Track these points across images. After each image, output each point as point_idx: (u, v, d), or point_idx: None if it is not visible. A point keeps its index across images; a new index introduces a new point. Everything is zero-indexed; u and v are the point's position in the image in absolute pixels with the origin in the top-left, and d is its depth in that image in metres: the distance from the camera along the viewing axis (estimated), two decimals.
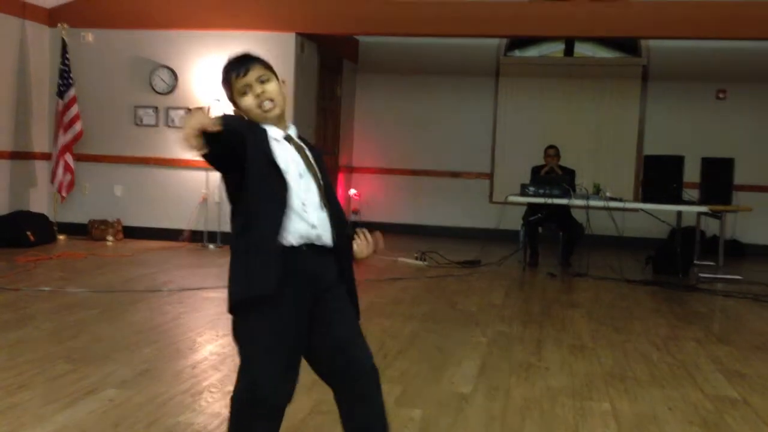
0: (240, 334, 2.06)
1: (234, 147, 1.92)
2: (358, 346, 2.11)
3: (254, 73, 2.06)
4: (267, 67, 2.10)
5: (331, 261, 2.10)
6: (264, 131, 2.07)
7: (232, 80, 2.07)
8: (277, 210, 1.99)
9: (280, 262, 1.97)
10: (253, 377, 2.00)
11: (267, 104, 2.07)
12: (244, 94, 2.07)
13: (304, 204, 2.03)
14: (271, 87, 2.08)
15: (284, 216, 1.99)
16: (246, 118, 2.09)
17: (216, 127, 1.78)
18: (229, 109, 2.16)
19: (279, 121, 2.10)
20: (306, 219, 2.03)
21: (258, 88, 2.06)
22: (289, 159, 2.05)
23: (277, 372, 2.00)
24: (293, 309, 2.02)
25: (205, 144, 1.78)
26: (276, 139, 2.07)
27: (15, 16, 7.87)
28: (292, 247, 2.01)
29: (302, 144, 2.13)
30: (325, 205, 2.08)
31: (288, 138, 2.10)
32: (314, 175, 2.09)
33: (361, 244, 2.16)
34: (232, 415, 2.06)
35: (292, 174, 2.04)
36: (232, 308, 2.06)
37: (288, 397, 2.05)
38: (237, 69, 2.07)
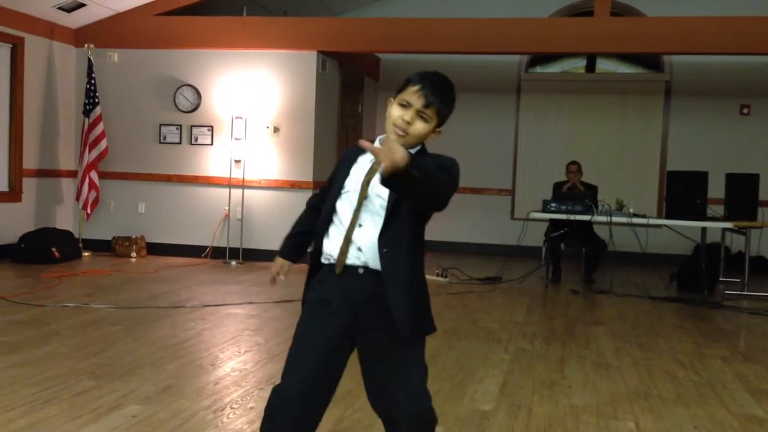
0: None
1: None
2: (397, 390, 2.03)
3: (423, 103, 1.99)
4: (439, 111, 2.01)
5: (383, 288, 2.00)
6: (360, 153, 2.08)
7: (408, 87, 2.01)
8: (324, 225, 2.09)
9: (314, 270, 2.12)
10: (283, 376, 2.07)
11: (399, 131, 2.01)
12: (400, 105, 2.02)
13: (361, 225, 2.02)
14: (420, 126, 2.00)
15: (326, 231, 2.08)
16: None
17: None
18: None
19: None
20: (354, 240, 2.02)
21: (410, 116, 1.99)
22: (360, 177, 2.05)
23: (296, 371, 2.03)
24: (326, 321, 2.04)
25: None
26: (363, 157, 2.07)
27: (43, 37, 8.02)
28: (343, 264, 2.03)
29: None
30: (391, 226, 1.99)
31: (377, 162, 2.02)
32: (387, 202, 1.99)
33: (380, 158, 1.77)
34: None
35: (353, 193, 2.04)
36: None
37: (307, 407, 2.03)
38: (421, 86, 1.99)
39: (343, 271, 2.02)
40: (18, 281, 6.38)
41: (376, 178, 1.96)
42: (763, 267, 8.68)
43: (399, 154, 1.70)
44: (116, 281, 6.58)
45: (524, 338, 4.88)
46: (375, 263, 2.01)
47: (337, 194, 2.07)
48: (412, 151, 2.03)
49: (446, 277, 7.35)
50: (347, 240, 2.02)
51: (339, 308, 2.03)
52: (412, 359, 2.07)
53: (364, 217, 2.02)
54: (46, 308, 5.23)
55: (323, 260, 2.09)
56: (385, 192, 1.99)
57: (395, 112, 2.02)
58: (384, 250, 1.99)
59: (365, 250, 2.01)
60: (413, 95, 2.00)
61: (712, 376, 4.08)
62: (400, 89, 2.04)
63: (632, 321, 5.64)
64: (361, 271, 2.02)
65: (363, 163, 2.08)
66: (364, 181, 2.03)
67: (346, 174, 2.08)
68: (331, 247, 2.06)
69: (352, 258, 2.02)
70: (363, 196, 2.02)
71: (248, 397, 3.38)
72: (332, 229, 2.07)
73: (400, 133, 2.01)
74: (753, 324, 5.74)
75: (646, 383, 3.88)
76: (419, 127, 2.01)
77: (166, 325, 4.86)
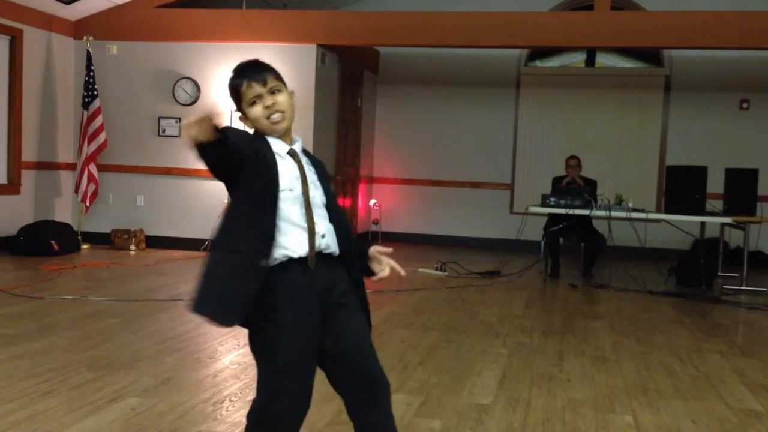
0: (255, 346, 2.03)
1: (228, 158, 1.91)
2: (373, 360, 2.07)
3: (265, 86, 2.01)
4: (278, 77, 2.05)
5: (341, 270, 2.07)
6: (269, 145, 2.04)
7: (243, 88, 2.02)
8: (266, 227, 1.96)
9: (257, 282, 1.94)
10: (270, 394, 1.99)
11: (276, 116, 2.02)
12: (253, 104, 2.02)
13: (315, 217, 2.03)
14: (282, 98, 2.03)
15: (274, 233, 1.96)
16: (251, 130, 2.09)
17: (218, 121, 1.81)
18: (237, 122, 2.16)
19: (285, 134, 2.07)
20: (315, 230, 2.01)
21: (269, 100, 2.01)
22: (292, 174, 2.02)
23: (293, 388, 1.98)
24: (305, 320, 1.98)
25: (207, 142, 1.81)
26: (279, 155, 2.04)
27: (42, 29, 8.00)
28: (297, 259, 1.99)
29: (306, 157, 2.10)
30: (332, 216, 2.07)
31: (291, 153, 2.06)
32: (321, 188, 2.07)
33: (383, 269, 2.08)
34: (248, 428, 2.06)
35: (295, 189, 2.00)
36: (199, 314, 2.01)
37: (303, 412, 2.04)
38: (248, 77, 2.01)
39: (302, 263, 2.00)
40: (17, 273, 6.38)
41: (306, 170, 2.05)
42: (761, 262, 8.69)
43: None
44: (115, 274, 6.58)
45: (523, 332, 4.88)
46: (334, 246, 2.06)
47: (276, 196, 1.97)
48: (296, 145, 2.08)
49: (445, 271, 7.36)
50: (312, 234, 2.00)
51: (311, 306, 1.99)
52: (368, 333, 2.11)
53: (315, 211, 2.03)
54: (44, 301, 5.24)
55: (281, 258, 1.98)
56: (315, 181, 2.07)
57: (256, 111, 2.02)
58: (340, 236, 2.06)
59: (328, 235, 2.04)
60: (252, 89, 2.01)
61: (710, 370, 4.09)
62: (237, 98, 2.04)
63: (630, 315, 5.65)
64: (314, 258, 2.01)
65: (280, 161, 2.02)
66: (301, 176, 2.02)
67: (276, 173, 1.99)
68: (290, 243, 1.98)
69: (317, 246, 2.02)
70: (308, 192, 2.02)
71: (247, 390, 3.38)
72: (287, 229, 1.99)
73: (278, 117, 2.03)
74: (751, 319, 5.75)
75: (644, 377, 3.89)
76: (281, 99, 2.03)
77: (164, 318, 4.86)
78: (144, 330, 4.52)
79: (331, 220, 2.07)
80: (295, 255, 1.98)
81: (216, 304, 1.97)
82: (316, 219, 2.02)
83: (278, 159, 2.03)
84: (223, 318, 1.98)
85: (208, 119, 1.79)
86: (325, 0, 9.68)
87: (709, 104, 9.48)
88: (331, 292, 2.04)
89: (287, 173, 2.01)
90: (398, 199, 10.22)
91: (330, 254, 2.05)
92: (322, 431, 2.90)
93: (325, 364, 2.05)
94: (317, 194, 2.06)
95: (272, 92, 2.02)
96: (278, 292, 1.96)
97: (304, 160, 2.09)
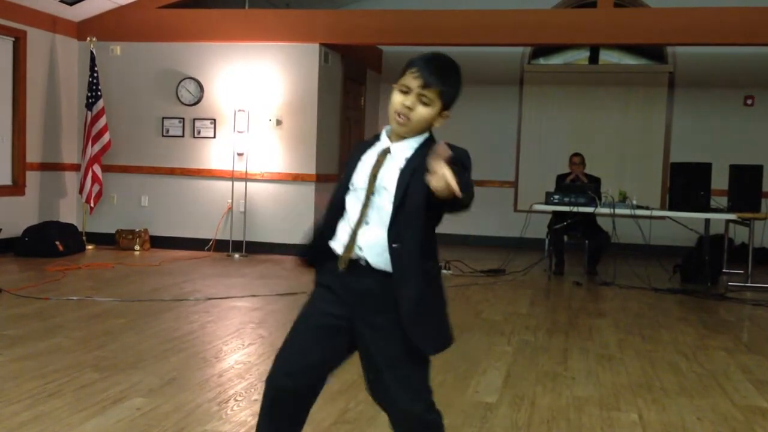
0: None
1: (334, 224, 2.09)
2: (396, 392, 1.99)
3: (420, 83, 1.91)
4: (441, 93, 1.93)
5: (384, 286, 1.94)
6: (366, 146, 2.04)
7: (407, 71, 1.93)
8: (330, 220, 2.05)
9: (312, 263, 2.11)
10: (278, 352, 2.07)
11: (400, 119, 1.93)
12: (401, 91, 1.94)
13: (367, 223, 1.96)
14: (421, 111, 1.93)
15: (334, 227, 2.04)
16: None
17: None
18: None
19: (404, 136, 1.98)
20: (357, 238, 1.96)
21: (410, 101, 1.92)
22: (364, 177, 1.98)
23: (288, 358, 2.02)
24: (327, 304, 2.01)
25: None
26: (373, 152, 2.00)
27: (45, 30, 8.01)
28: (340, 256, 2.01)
29: (410, 158, 1.94)
30: (398, 228, 1.91)
31: (385, 152, 1.98)
32: (395, 195, 1.92)
33: (435, 178, 1.77)
34: None
35: (360, 190, 1.98)
36: None
37: (297, 387, 2.01)
38: (417, 68, 1.92)
39: (346, 266, 1.98)
40: (22, 275, 6.40)
41: (386, 170, 1.95)
42: (766, 258, 8.66)
43: (456, 188, 1.73)
44: (120, 274, 6.59)
45: (527, 330, 4.88)
46: (376, 261, 1.94)
47: (345, 189, 2.02)
48: (420, 139, 1.99)
49: (449, 269, 7.35)
50: (353, 238, 1.97)
51: (340, 298, 2.00)
52: (412, 361, 1.98)
53: (371, 214, 1.96)
54: (50, 301, 5.25)
55: (335, 246, 2.03)
56: (392, 184, 1.92)
57: (396, 98, 1.95)
58: (394, 245, 1.91)
59: (366, 249, 1.95)
60: (411, 79, 1.92)
61: (716, 367, 4.08)
62: (401, 74, 1.95)
63: (635, 312, 5.64)
64: (363, 263, 1.97)
65: (369, 158, 2.00)
66: (370, 175, 1.96)
67: (353, 169, 2.01)
68: (339, 240, 2.02)
69: (354, 255, 1.97)
70: (370, 191, 1.95)
71: (252, 390, 3.39)
72: (341, 224, 2.02)
73: (401, 120, 1.93)
74: (756, 315, 5.74)
75: (649, 375, 3.89)
76: (421, 112, 1.93)
77: (169, 318, 4.87)
78: (149, 330, 4.52)
79: (395, 223, 1.91)
80: (337, 251, 2.01)
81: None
82: (369, 224, 1.95)
83: (366, 156, 2.01)
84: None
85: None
86: None
87: (713, 101, 9.46)
88: (367, 301, 1.97)
89: (362, 171, 1.99)
90: None
91: (375, 267, 1.96)
92: (328, 430, 2.90)
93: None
94: (387, 194, 1.93)
95: (420, 99, 1.92)
96: (324, 275, 2.06)
97: (398, 159, 1.95)
